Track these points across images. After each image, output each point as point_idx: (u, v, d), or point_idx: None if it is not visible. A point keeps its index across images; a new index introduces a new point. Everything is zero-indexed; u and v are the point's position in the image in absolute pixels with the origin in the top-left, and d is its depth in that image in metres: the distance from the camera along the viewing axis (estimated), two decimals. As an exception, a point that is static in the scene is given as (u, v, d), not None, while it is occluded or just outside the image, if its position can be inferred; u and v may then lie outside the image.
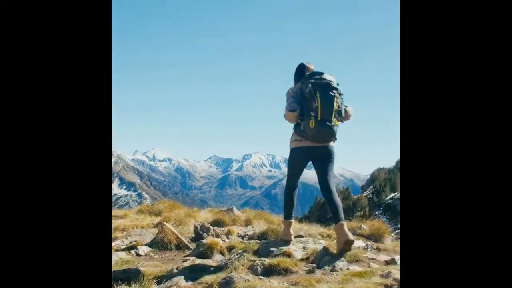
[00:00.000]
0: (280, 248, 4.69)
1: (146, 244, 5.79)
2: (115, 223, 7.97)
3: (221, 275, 3.71)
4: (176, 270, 4.14)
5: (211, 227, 6.36)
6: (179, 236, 5.75)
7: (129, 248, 5.64)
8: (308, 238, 5.93)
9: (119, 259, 4.98)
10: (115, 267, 4.46)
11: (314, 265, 4.05)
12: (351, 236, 4.22)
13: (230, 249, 5.32)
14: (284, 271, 3.85)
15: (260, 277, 3.72)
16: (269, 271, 3.86)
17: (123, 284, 3.59)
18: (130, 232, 6.67)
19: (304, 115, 4.44)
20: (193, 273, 4.02)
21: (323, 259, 4.17)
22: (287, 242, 4.91)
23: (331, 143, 4.67)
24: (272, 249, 4.69)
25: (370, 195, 69.48)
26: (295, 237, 5.52)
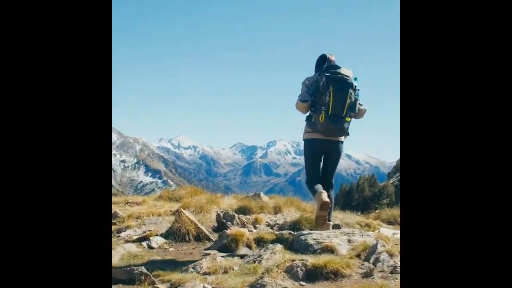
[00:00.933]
0: (320, 241, 3.83)
1: (161, 235, 5.02)
2: (130, 210, 7.27)
3: (249, 279, 2.88)
4: (192, 270, 3.30)
5: (236, 215, 5.57)
6: (199, 225, 4.96)
7: (141, 239, 4.89)
8: (349, 228, 5.31)
9: (126, 253, 4.24)
10: (119, 264, 3.67)
11: (369, 265, 3.19)
12: (326, 199, 4.22)
13: (258, 241, 4.54)
14: (333, 275, 2.99)
15: (302, 283, 2.89)
16: (313, 275, 3.00)
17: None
18: (144, 221, 5.90)
19: (316, 108, 4.42)
20: (212, 274, 3.18)
21: (378, 257, 3.31)
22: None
23: (342, 138, 4.65)
24: (310, 242, 3.86)
25: (397, 182, 68.09)
26: (334, 227, 4.75)
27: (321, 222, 4.29)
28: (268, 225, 5.72)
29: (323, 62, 4.75)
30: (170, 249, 4.53)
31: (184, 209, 5.93)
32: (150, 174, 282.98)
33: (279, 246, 3.61)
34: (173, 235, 4.82)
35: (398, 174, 70.58)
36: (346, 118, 4.37)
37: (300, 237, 4.08)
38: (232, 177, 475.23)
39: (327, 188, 4.60)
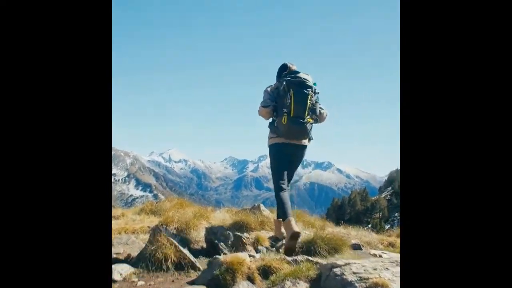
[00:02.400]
0: (365, 276, 2.52)
1: (128, 261, 3.67)
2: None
3: None
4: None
5: (231, 233, 4.28)
6: (181, 248, 3.60)
7: (101, 267, 3.54)
8: (372, 248, 4.67)
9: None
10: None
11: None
12: (297, 229, 4.10)
13: (264, 272, 3.25)
14: None
15: None
16: None
17: None
18: (113, 240, 4.58)
19: (278, 112, 4.49)
20: None
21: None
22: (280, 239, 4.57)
23: (305, 142, 4.68)
24: (350, 278, 2.55)
25: (389, 196, 67.67)
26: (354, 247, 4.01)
27: (290, 253, 3.98)
28: (273, 246, 4.44)
29: (283, 70, 4.78)
30: (139, 283, 3.19)
31: (166, 224, 4.64)
32: (140, 188, 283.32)
33: (303, 286, 2.30)
34: (146, 261, 3.49)
35: (390, 188, 70.99)
36: (308, 119, 4.44)
37: (334, 270, 2.75)
38: (223, 191, 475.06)
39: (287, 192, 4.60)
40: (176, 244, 3.59)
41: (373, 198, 64.67)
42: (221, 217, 5.74)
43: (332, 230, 5.80)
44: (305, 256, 3.53)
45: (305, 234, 4.80)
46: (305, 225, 5.54)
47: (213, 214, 5.89)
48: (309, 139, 4.71)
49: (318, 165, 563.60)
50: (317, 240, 4.23)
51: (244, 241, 4.21)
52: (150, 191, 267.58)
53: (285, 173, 4.68)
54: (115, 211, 8.41)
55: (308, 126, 4.46)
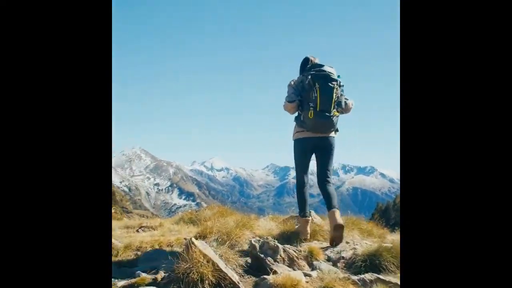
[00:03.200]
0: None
1: (157, 283, 3.06)
2: (133, 237, 5.46)
3: None
4: None
5: (280, 246, 3.60)
6: (220, 265, 2.96)
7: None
8: None
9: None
10: None
11: None
12: (340, 221, 4.23)
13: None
14: None
15: None
16: None
17: None
18: (143, 254, 4.02)
19: (304, 106, 4.48)
20: None
21: None
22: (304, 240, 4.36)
23: (332, 134, 4.66)
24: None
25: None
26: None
27: (338, 242, 4.23)
28: (329, 259, 3.76)
29: (306, 64, 4.78)
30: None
31: (203, 237, 4.04)
32: (183, 197, 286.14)
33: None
34: (178, 283, 2.88)
35: None
36: (335, 113, 4.43)
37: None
38: (265, 198, 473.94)
39: (325, 184, 4.58)
40: (215, 260, 2.97)
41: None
42: (267, 226, 5.12)
43: (392, 238, 5.06)
44: (374, 275, 2.85)
45: (366, 244, 4.11)
46: (362, 234, 4.83)
47: (257, 223, 5.26)
48: (336, 131, 4.68)
49: (361, 170, 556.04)
50: (383, 252, 3.53)
51: (296, 254, 3.55)
52: (193, 200, 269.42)
53: (308, 167, 4.75)
54: (154, 221, 7.95)
55: (335, 119, 4.46)
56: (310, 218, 4.51)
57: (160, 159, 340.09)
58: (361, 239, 4.59)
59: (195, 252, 2.96)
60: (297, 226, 4.58)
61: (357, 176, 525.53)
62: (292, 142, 4.79)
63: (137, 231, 6.88)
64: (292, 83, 4.70)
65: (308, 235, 4.40)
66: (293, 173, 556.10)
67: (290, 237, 4.30)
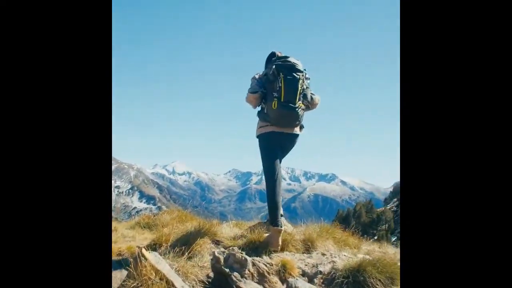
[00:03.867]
0: None
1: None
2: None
3: None
4: None
5: (248, 258, 3.05)
6: (175, 284, 2.41)
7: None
8: None
9: None
10: None
11: None
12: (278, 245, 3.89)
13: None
14: None
15: None
16: None
17: None
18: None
19: (268, 97, 4.18)
20: None
21: None
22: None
23: (297, 130, 4.33)
24: None
25: (395, 208, 66.61)
26: None
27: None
28: (304, 274, 3.26)
29: (272, 57, 4.48)
30: None
31: (158, 245, 3.49)
32: (144, 200, 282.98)
33: None
34: (123, 304, 2.31)
35: (395, 199, 69.80)
36: (300, 104, 4.12)
37: None
38: (227, 203, 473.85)
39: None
40: (169, 277, 2.41)
41: (378, 210, 63.84)
42: (231, 233, 4.58)
43: (368, 249, 4.59)
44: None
45: (344, 257, 3.63)
46: (338, 244, 4.34)
47: (220, 229, 4.70)
48: (301, 127, 4.42)
49: (322, 177, 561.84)
50: (367, 267, 3.05)
51: (266, 269, 3.03)
52: (154, 204, 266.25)
53: (279, 167, 4.25)
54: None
55: (300, 111, 4.13)
56: (282, 228, 3.98)
57: (121, 161, 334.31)
58: (338, 250, 4.12)
59: (145, 267, 2.40)
60: (266, 235, 4.07)
61: (318, 183, 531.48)
62: (257, 140, 4.40)
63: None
64: (257, 76, 4.43)
65: (279, 247, 3.91)
66: (255, 179, 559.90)
67: (258, 248, 3.79)
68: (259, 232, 4.04)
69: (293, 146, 4.44)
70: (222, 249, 3.43)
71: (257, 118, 4.42)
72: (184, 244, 3.54)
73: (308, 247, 4.03)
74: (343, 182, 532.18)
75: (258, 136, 4.38)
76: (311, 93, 4.41)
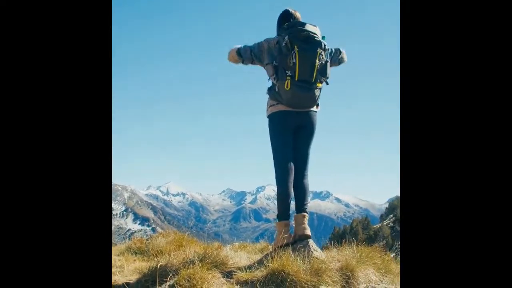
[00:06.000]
0: None
1: None
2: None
3: None
4: None
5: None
6: None
7: None
8: None
9: None
10: None
11: None
12: (308, 231, 3.64)
13: None
14: None
15: None
16: None
17: None
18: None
19: (280, 74, 3.62)
20: None
21: None
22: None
23: (314, 109, 3.86)
24: None
25: (391, 224, 66.32)
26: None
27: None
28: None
29: (286, 20, 3.90)
30: None
31: (151, 281, 2.59)
32: (138, 222, 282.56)
33: None
34: None
35: (391, 215, 69.30)
36: (317, 84, 3.64)
37: None
38: (221, 223, 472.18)
39: (300, 177, 3.83)
40: None
41: (375, 226, 63.59)
42: (241, 260, 3.71)
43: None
44: None
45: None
46: (379, 271, 3.42)
47: (225, 254, 3.79)
48: (317, 106, 3.90)
49: (316, 195, 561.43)
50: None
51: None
52: (148, 225, 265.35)
53: (290, 151, 3.80)
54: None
55: (317, 92, 3.70)
56: (289, 221, 3.77)
57: (115, 183, 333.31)
58: (380, 279, 3.22)
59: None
60: (277, 234, 3.78)
61: (313, 200, 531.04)
62: (267, 120, 3.94)
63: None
64: (265, 44, 3.82)
65: (289, 239, 3.65)
66: (249, 198, 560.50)
67: (283, 281, 2.87)
68: (278, 260, 3.10)
69: (314, 126, 3.91)
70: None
71: (267, 96, 3.96)
72: (188, 280, 2.63)
73: (347, 277, 3.10)
74: (338, 199, 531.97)
75: (268, 116, 3.92)
76: (334, 51, 4.00)
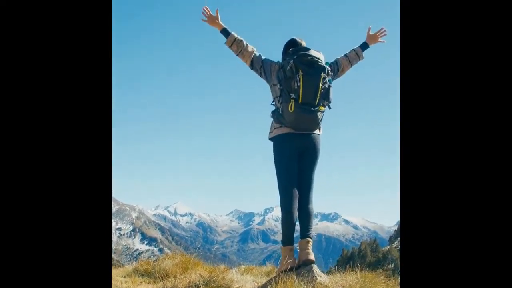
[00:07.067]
0: None
1: None
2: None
3: None
4: None
5: None
6: None
7: None
8: None
9: None
10: None
11: None
12: (312, 256, 3.66)
13: None
14: None
15: None
16: None
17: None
18: None
19: (284, 96, 3.72)
20: None
21: None
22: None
23: (317, 132, 3.91)
24: None
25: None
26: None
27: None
28: None
29: (291, 46, 4.02)
30: None
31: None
32: (146, 242, 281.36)
33: None
34: None
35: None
36: (320, 107, 3.72)
37: None
38: (229, 244, 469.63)
39: (305, 200, 3.86)
40: None
41: (384, 249, 62.85)
42: (247, 284, 3.72)
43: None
44: None
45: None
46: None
47: (228, 276, 3.93)
48: (319, 129, 3.95)
49: (325, 217, 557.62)
50: None
51: None
52: (156, 246, 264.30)
53: (295, 174, 3.83)
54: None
55: (320, 115, 3.76)
56: (294, 246, 3.80)
57: (123, 202, 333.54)
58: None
59: None
60: (282, 259, 3.78)
61: (321, 222, 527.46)
62: (271, 143, 3.97)
63: None
64: (271, 67, 3.95)
65: (293, 264, 3.68)
66: (257, 219, 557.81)
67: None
68: (287, 284, 3.15)
69: (318, 149, 3.94)
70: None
71: (271, 119, 4.01)
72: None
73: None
74: (346, 221, 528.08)
75: (271, 139, 3.97)
76: (334, 62, 4.16)
